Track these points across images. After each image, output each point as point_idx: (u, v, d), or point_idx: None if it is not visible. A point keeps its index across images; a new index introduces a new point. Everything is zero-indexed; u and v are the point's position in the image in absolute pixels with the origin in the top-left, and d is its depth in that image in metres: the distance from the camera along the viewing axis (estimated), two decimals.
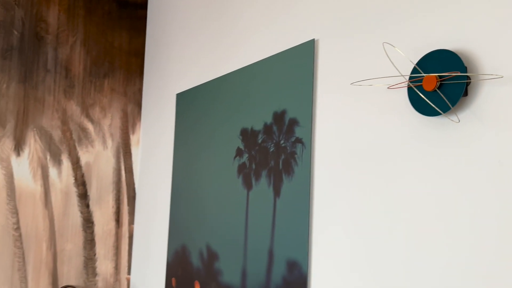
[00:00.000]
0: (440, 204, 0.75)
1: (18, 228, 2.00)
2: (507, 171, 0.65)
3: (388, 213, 0.85)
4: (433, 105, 0.71)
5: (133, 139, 2.32)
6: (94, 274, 2.17)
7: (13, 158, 2.01)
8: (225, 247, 1.39)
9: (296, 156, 1.11)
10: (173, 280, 1.73)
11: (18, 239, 2.00)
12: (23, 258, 2.01)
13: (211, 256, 1.47)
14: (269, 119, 1.22)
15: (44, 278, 2.05)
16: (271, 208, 1.18)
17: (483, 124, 0.70)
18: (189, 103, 1.74)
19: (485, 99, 0.70)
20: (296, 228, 1.08)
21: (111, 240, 2.23)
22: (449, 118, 0.74)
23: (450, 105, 0.70)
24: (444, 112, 0.71)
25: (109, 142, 2.25)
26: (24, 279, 2.00)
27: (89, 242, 2.17)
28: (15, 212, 2.00)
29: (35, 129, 2.07)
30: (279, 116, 1.18)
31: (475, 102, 0.71)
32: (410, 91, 0.78)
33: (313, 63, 1.08)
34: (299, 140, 1.11)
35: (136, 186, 2.30)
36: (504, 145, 0.66)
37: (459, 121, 0.72)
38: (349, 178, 0.95)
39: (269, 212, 1.19)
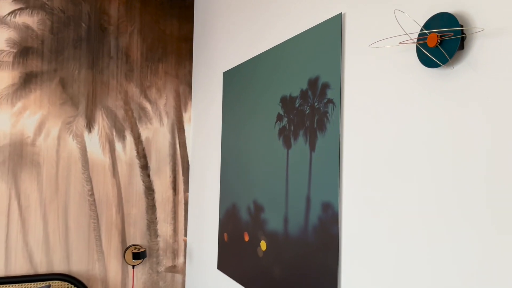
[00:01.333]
0: (441, 135, 0.92)
1: (92, 194, 2.33)
2: (496, 107, 0.81)
3: (404, 152, 1.02)
4: (434, 58, 0.88)
5: (185, 116, 2.58)
6: (156, 235, 2.48)
7: (86, 134, 2.34)
8: (269, 201, 1.60)
9: (328, 114, 1.30)
10: (225, 235, 1.98)
11: (93, 204, 2.33)
12: (97, 220, 2.34)
13: (258, 209, 1.69)
14: (304, 86, 1.41)
15: (115, 237, 2.37)
16: (307, 162, 1.38)
17: (477, 72, 0.85)
18: (234, 79, 1.96)
19: (478, 51, 0.85)
20: (329, 175, 1.28)
21: (169, 206, 2.52)
22: (447, 68, 0.91)
23: (448, 57, 0.86)
24: (444, 63, 0.87)
25: (165, 120, 2.53)
26: (98, 238, 2.33)
27: (151, 207, 2.48)
28: (89, 180, 2.33)
29: (102, 108, 2.38)
30: (313, 82, 1.37)
31: (470, 54, 0.86)
32: (418, 49, 0.95)
33: (341, 33, 1.25)
34: (330, 101, 1.29)
35: (190, 158, 2.57)
36: (493, 86, 0.81)
37: (453, 68, 0.88)
38: (373, 126, 1.13)
39: (306, 165, 1.39)
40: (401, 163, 1.04)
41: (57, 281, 2.15)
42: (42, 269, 2.19)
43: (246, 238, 1.78)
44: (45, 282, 2.13)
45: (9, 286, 2.07)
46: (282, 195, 1.52)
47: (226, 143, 2.03)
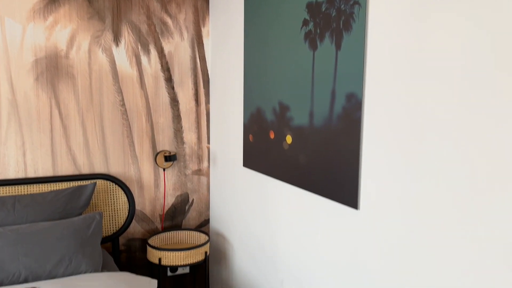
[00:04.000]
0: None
1: (123, 105, 2.54)
2: None
3: (423, 47, 1.21)
4: None
5: (203, 31, 2.71)
6: (182, 142, 2.72)
7: (114, 48, 2.48)
8: (295, 99, 1.82)
9: (354, 15, 1.46)
10: (250, 136, 2.22)
11: (124, 113, 2.54)
12: (130, 128, 2.56)
13: (283, 109, 1.91)
14: None
15: (146, 143, 2.62)
16: (333, 60, 1.57)
17: None
18: None
19: None
20: (353, 68, 1.47)
21: (192, 116, 2.74)
22: None
23: None
24: None
25: (185, 34, 2.66)
26: (132, 144, 2.58)
27: (176, 117, 2.70)
28: (120, 92, 2.52)
29: (127, 23, 2.50)
30: None
31: None
32: None
33: None
34: (356, 2, 1.45)
35: (209, 71, 2.74)
36: None
37: None
38: (397, 24, 1.30)
39: (332, 63, 1.58)
40: (422, 56, 1.23)
41: (100, 180, 2.43)
42: (85, 170, 2.46)
43: (272, 136, 2.02)
44: (90, 181, 2.40)
45: (58, 184, 2.34)
46: (307, 93, 1.73)
47: (248, 53, 2.19)
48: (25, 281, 1.85)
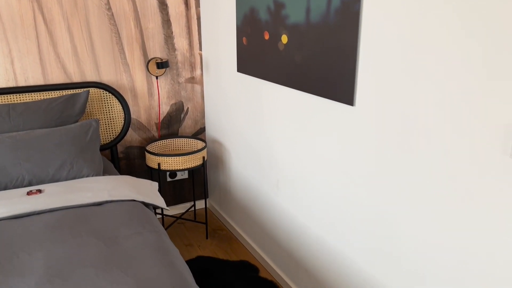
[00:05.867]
0: None
1: (109, 8, 2.41)
2: None
3: None
4: None
5: None
6: (174, 49, 2.65)
7: None
8: None
9: None
10: (244, 39, 2.16)
11: (111, 18, 2.43)
12: (118, 34, 2.47)
13: (278, 7, 1.83)
14: None
15: (137, 51, 2.54)
16: None
17: None
18: None
19: None
20: None
21: (183, 21, 2.63)
22: None
23: None
24: None
25: None
26: (122, 51, 2.50)
27: (166, 22, 2.59)
28: None
29: None
30: None
31: None
32: None
33: None
34: None
35: None
36: None
37: None
38: None
39: None
40: None
41: (93, 88, 2.40)
42: (76, 79, 2.41)
43: (266, 37, 1.96)
44: (83, 89, 2.37)
45: (51, 93, 2.31)
46: None
47: None
48: (29, 184, 1.91)
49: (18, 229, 1.54)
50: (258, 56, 2.05)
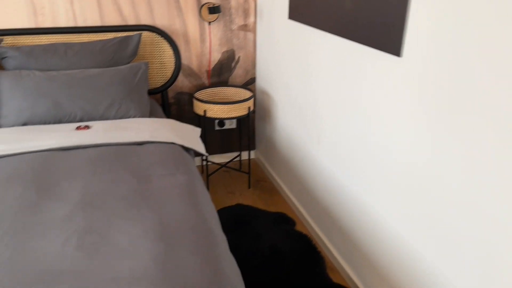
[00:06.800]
0: None
1: None
2: None
3: None
4: None
5: None
6: None
7: None
8: None
9: None
10: None
11: None
12: None
13: None
14: None
15: None
16: None
17: None
18: None
19: None
20: None
21: None
22: None
23: None
24: None
25: None
26: None
27: None
28: None
29: None
30: None
31: None
32: None
33: None
34: None
35: None
36: None
37: None
38: None
39: None
40: None
41: (146, 32, 2.43)
42: (131, 21, 2.45)
43: None
44: (136, 32, 2.42)
45: (106, 34, 2.38)
46: None
47: None
48: (81, 120, 2.03)
49: (63, 160, 1.65)
50: (309, 1, 1.93)
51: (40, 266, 1.11)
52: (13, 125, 1.94)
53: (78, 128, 1.90)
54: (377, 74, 1.51)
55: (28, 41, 2.27)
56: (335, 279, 1.92)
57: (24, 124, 1.96)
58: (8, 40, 2.23)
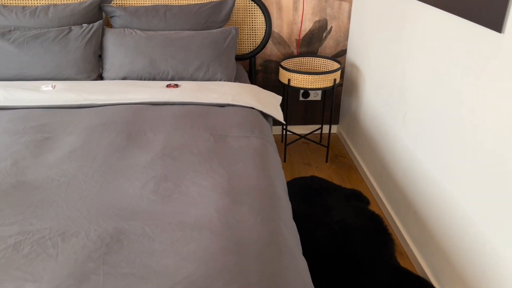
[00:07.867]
0: None
1: None
2: None
3: None
4: None
5: None
6: None
7: None
8: None
9: None
10: None
11: None
12: None
13: None
14: None
15: None
16: None
17: None
18: None
19: None
20: None
21: None
22: None
23: None
24: None
25: None
26: None
27: None
28: None
29: None
30: None
31: None
32: None
33: None
34: None
35: None
36: None
37: None
38: None
39: None
40: None
41: None
42: None
43: None
44: None
45: None
46: None
47: None
48: (172, 79, 2.16)
49: (152, 113, 1.79)
50: None
51: (120, 203, 1.25)
52: (114, 78, 2.15)
53: (168, 86, 2.03)
54: (474, 51, 1.37)
55: (134, 1, 2.45)
56: (403, 264, 1.85)
57: (123, 78, 2.15)
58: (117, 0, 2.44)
